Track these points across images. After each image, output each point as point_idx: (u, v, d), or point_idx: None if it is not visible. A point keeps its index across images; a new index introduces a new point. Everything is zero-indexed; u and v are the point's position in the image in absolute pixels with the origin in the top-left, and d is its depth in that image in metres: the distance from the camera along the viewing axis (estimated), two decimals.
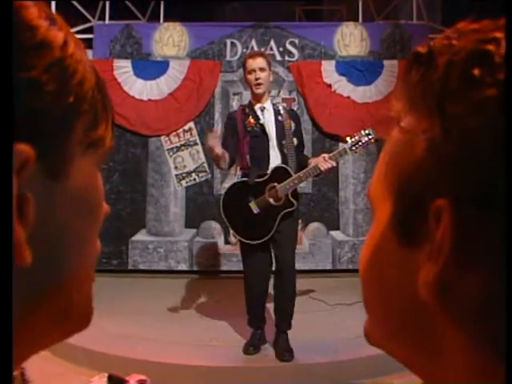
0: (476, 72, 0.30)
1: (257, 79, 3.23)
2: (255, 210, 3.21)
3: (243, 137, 3.26)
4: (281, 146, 3.27)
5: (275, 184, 3.18)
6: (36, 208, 0.30)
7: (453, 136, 0.30)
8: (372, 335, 0.39)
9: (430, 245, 0.31)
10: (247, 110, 3.32)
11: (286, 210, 3.18)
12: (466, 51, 0.31)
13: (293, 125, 3.34)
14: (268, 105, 3.34)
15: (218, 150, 3.09)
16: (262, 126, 3.27)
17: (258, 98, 3.31)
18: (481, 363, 0.31)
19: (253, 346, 3.23)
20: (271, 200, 3.19)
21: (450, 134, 0.30)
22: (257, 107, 3.31)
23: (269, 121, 3.30)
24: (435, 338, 0.33)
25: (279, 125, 3.29)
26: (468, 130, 0.29)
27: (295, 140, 3.32)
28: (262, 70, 3.24)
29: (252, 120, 3.28)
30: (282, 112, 3.34)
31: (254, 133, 3.26)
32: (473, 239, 0.30)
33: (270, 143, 3.26)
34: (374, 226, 0.37)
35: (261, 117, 3.29)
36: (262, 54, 3.40)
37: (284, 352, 3.13)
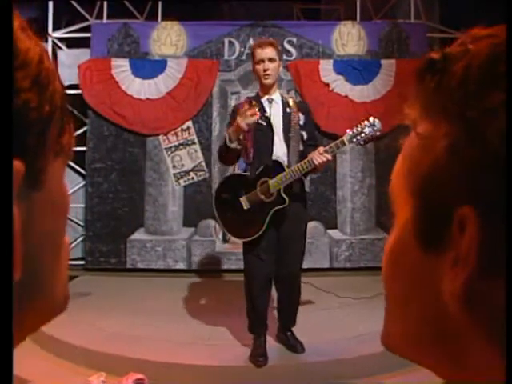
0: (495, 75, 0.30)
1: (265, 70, 3.07)
2: (245, 205, 3.07)
3: (247, 130, 3.05)
4: (287, 139, 3.11)
5: (267, 179, 3.03)
6: (20, 220, 0.31)
7: (475, 139, 0.30)
8: (391, 341, 0.38)
9: (455, 252, 0.31)
10: (253, 103, 3.11)
11: (277, 207, 3.02)
12: (483, 55, 0.31)
13: (302, 117, 3.17)
14: (276, 96, 3.19)
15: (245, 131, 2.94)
16: (268, 119, 3.11)
17: (265, 89, 3.16)
18: (506, 371, 0.30)
19: (263, 356, 3.06)
20: (262, 196, 3.04)
21: (472, 138, 0.30)
22: (264, 99, 3.16)
23: (276, 113, 3.14)
24: (459, 346, 0.33)
25: (286, 117, 3.13)
26: (489, 133, 0.29)
27: (304, 133, 3.16)
28: (271, 60, 3.07)
29: (258, 113, 3.07)
30: (291, 104, 3.18)
31: (259, 126, 3.07)
32: (499, 247, 0.29)
33: (276, 136, 3.11)
34: (395, 230, 0.37)
35: (267, 109, 3.13)
36: (271, 43, 3.16)
37: (297, 346, 3.19)
